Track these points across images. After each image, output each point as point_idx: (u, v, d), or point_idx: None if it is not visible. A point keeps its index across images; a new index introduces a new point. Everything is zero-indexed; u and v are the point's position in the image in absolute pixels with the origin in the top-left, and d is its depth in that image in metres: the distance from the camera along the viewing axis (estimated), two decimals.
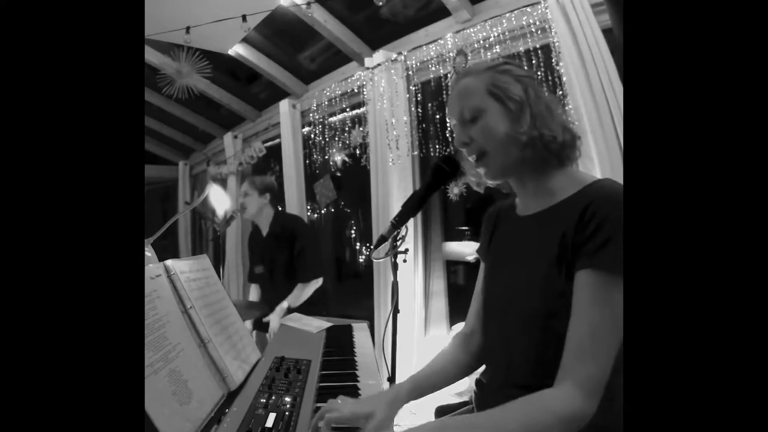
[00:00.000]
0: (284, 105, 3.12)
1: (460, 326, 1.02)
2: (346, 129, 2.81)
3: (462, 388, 2.17)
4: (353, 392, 0.91)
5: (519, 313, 0.75)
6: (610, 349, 0.63)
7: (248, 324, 2.13)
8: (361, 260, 3.30)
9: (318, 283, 2.14)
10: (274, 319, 1.95)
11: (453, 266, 2.55)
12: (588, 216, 0.67)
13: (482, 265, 0.96)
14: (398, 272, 1.24)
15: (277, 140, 3.31)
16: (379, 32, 2.63)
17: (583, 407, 0.61)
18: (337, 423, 0.70)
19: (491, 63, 0.80)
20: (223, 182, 3.80)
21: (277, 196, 2.27)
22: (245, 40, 2.82)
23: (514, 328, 0.77)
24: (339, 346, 1.22)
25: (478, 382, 0.90)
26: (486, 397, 0.86)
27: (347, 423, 0.70)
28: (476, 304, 0.95)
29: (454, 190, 2.34)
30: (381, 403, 0.73)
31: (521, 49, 1.97)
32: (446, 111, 0.97)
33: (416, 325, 2.38)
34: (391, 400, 0.75)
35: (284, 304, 2.00)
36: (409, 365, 2.26)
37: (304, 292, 2.08)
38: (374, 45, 2.67)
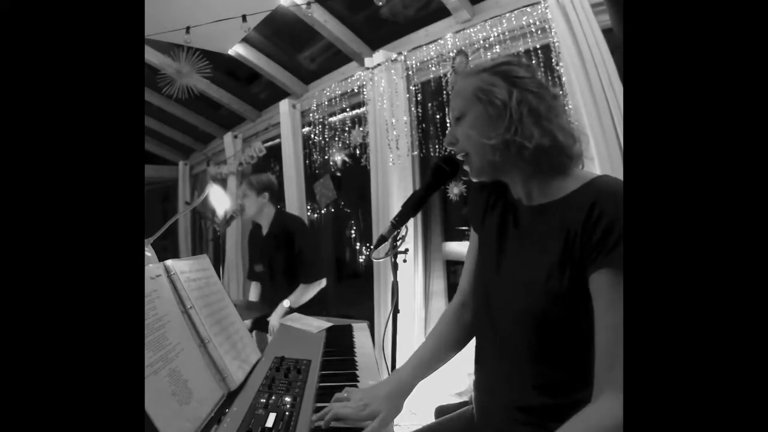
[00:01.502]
0: (284, 105, 3.12)
1: None
2: (346, 129, 2.81)
3: (462, 389, 2.17)
4: None
5: (518, 313, 0.74)
6: None
7: (247, 323, 2.12)
8: (361, 260, 3.30)
9: (321, 284, 2.13)
10: (274, 318, 1.95)
11: (453, 266, 2.55)
12: (596, 215, 0.66)
13: (473, 235, 0.92)
14: (398, 272, 1.24)
15: (277, 140, 3.31)
16: (379, 32, 2.63)
17: None
18: (344, 417, 0.75)
19: (490, 63, 0.79)
20: (223, 182, 3.80)
21: (276, 193, 2.25)
22: (245, 40, 2.83)
23: (512, 329, 0.76)
24: (339, 346, 1.22)
25: (476, 383, 0.89)
26: (485, 399, 0.85)
27: (352, 422, 0.75)
28: (467, 275, 0.92)
29: (454, 190, 2.34)
30: (384, 399, 0.79)
31: (521, 49, 1.97)
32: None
33: (416, 325, 2.38)
34: (395, 395, 0.82)
35: (285, 303, 2.00)
36: None
37: (307, 293, 2.07)
38: (374, 45, 2.67)
